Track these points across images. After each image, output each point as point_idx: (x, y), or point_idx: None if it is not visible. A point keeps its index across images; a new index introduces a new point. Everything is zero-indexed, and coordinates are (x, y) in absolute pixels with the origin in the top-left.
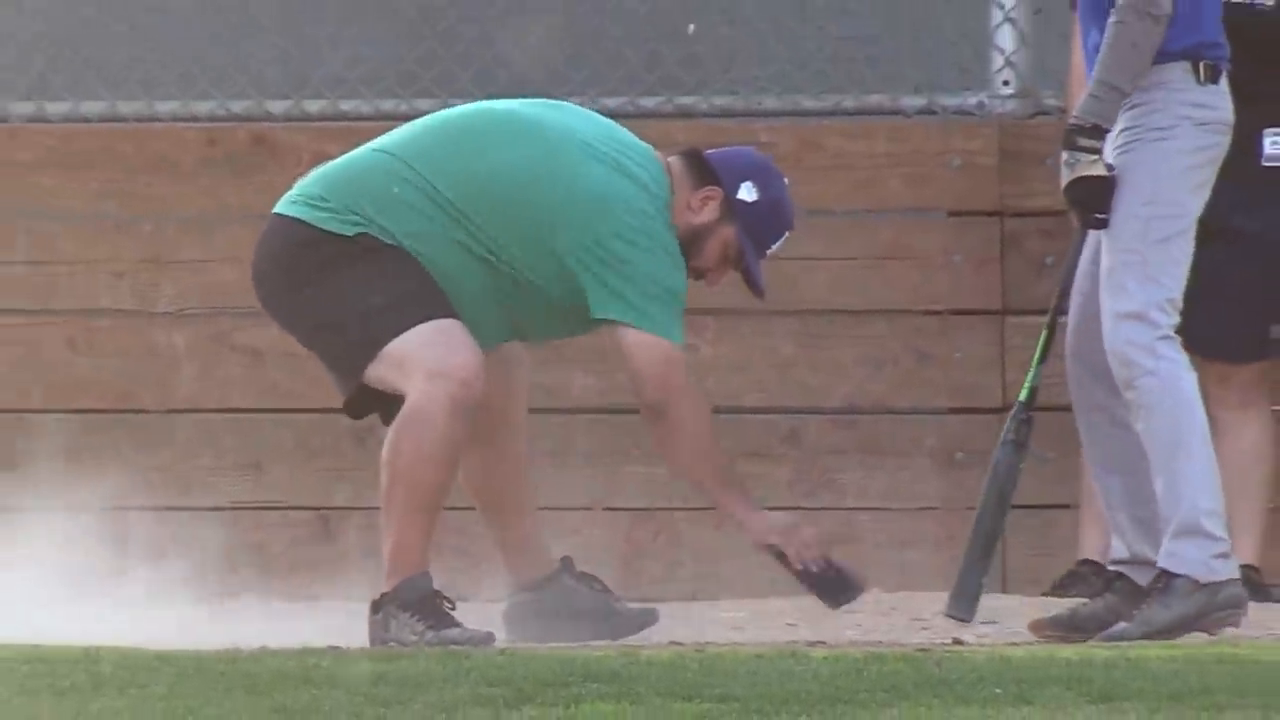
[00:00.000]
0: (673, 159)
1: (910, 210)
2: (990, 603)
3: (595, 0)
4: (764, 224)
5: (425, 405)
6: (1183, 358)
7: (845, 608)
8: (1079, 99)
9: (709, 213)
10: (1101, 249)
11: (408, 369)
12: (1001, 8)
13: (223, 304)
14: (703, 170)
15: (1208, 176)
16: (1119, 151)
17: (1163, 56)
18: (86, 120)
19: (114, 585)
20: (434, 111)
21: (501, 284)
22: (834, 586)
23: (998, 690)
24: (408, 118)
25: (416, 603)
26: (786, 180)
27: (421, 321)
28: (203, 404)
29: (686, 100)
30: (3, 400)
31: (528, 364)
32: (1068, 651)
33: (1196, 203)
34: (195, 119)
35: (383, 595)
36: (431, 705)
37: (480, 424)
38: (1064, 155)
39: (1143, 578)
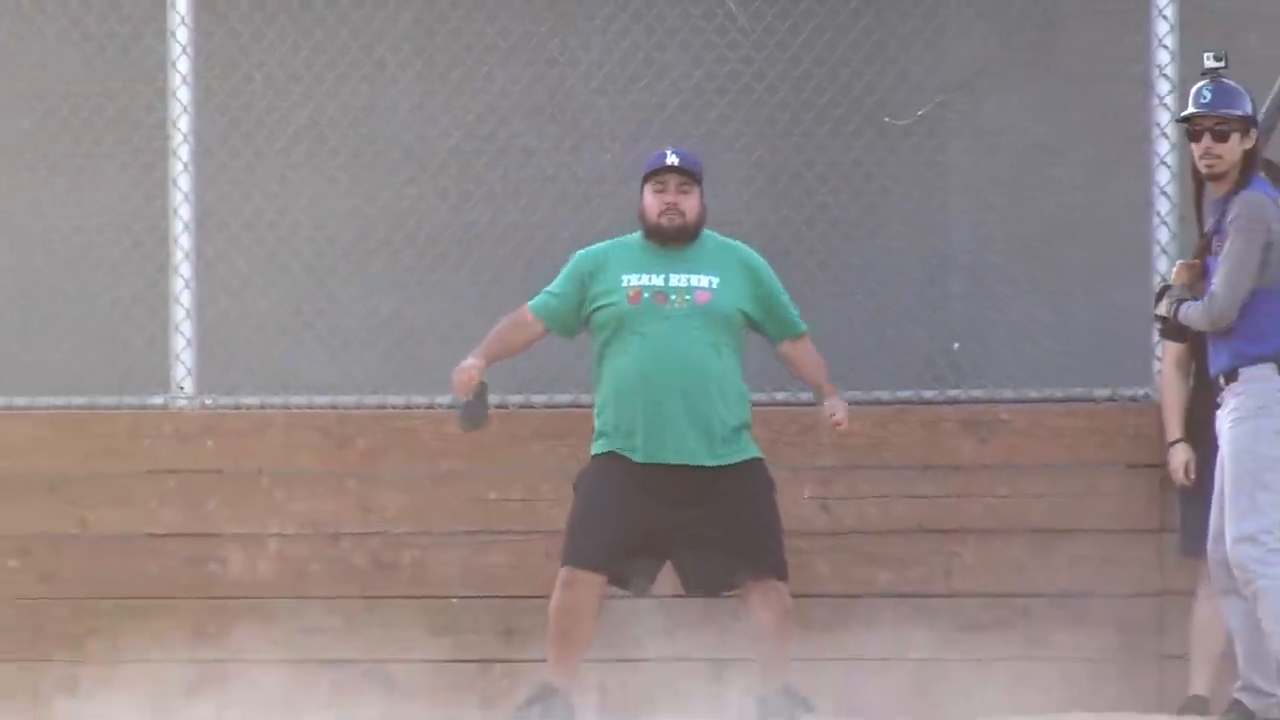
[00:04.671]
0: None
1: (1102, 464)
2: None
3: (890, 320)
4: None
5: None
6: None
7: (470, 431)
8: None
9: (641, 209)
10: (1225, 491)
11: None
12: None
13: None
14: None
15: None
16: (1230, 424)
17: (1252, 360)
18: (558, 406)
19: None
20: None
21: None
22: (469, 416)
23: None
24: None
25: None
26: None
27: None
28: None
29: (953, 393)
30: None
31: None
32: None
33: None
34: None
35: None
36: None
37: None
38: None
39: (1254, 703)
